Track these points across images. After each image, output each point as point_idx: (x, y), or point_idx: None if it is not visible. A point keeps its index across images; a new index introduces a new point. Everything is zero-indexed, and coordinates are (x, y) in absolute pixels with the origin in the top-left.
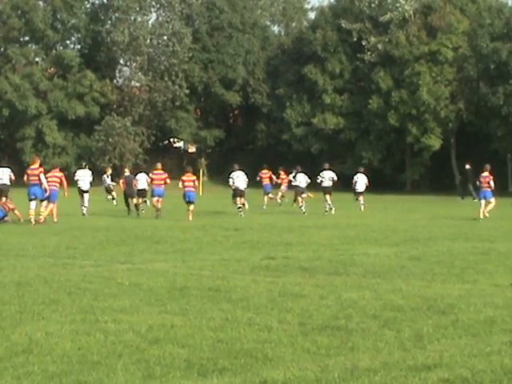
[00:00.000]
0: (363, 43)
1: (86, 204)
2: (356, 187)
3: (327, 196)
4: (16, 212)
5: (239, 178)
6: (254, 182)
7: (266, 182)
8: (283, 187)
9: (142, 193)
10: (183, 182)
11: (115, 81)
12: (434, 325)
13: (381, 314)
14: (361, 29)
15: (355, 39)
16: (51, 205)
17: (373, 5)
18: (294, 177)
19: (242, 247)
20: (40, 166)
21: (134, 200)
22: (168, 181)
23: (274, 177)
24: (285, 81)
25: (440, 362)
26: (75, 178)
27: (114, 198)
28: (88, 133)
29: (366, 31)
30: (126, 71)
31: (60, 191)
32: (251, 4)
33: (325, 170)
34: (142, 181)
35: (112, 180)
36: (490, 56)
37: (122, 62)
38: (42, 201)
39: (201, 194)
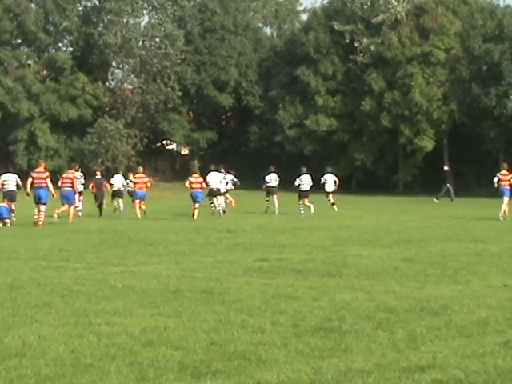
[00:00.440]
0: (355, 45)
1: (80, 206)
2: (325, 187)
3: (305, 200)
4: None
5: (215, 179)
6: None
7: None
8: None
9: (117, 193)
10: (190, 182)
11: (108, 83)
12: (428, 326)
13: (374, 316)
14: (353, 30)
15: (347, 41)
16: (72, 208)
17: (365, 6)
18: (265, 176)
19: (234, 249)
20: (45, 169)
21: (105, 201)
22: (149, 184)
23: None
24: (277, 82)
25: (433, 363)
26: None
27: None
28: (81, 135)
29: (359, 33)
30: (118, 73)
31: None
32: (243, 6)
33: (303, 174)
34: (117, 182)
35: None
36: (482, 57)
37: (114, 64)
38: (44, 204)
39: None
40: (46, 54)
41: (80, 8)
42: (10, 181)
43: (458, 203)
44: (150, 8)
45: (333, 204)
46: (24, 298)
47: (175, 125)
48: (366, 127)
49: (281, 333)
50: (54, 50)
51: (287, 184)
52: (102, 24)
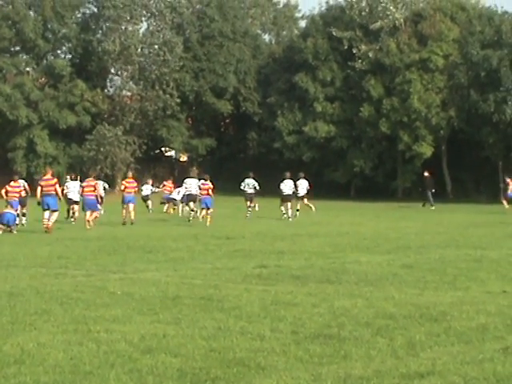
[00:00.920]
0: (354, 51)
1: (77, 214)
2: (298, 192)
3: (288, 204)
4: None
5: (192, 185)
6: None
7: None
8: None
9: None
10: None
11: (106, 90)
12: (427, 332)
13: (373, 322)
14: (351, 37)
15: (346, 47)
16: (94, 213)
17: (363, 13)
18: (242, 182)
19: (234, 256)
20: (53, 176)
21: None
22: (137, 189)
23: None
24: (276, 89)
25: (433, 370)
26: (65, 191)
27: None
28: (79, 142)
29: (357, 39)
30: (117, 80)
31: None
32: (242, 13)
33: (285, 179)
34: (100, 188)
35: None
36: (480, 63)
37: (113, 71)
38: (53, 211)
39: None
40: (45, 61)
41: (79, 15)
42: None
43: (456, 209)
44: (149, 15)
45: (307, 205)
46: (23, 305)
47: (174, 131)
48: (365, 134)
49: (280, 340)
50: (52, 57)
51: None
52: (100, 31)
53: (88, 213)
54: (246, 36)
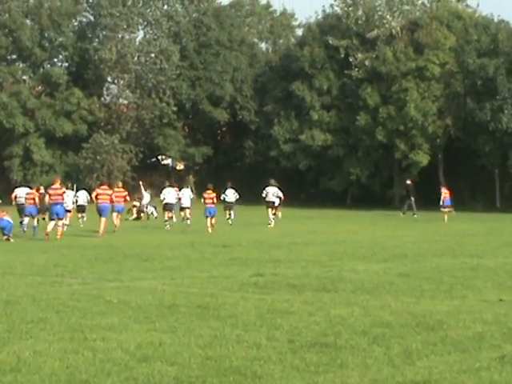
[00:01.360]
0: (350, 60)
1: (67, 222)
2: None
3: (270, 210)
4: None
5: (170, 194)
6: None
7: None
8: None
9: (80, 208)
10: (204, 198)
11: (103, 98)
12: (423, 341)
13: (370, 331)
14: (348, 45)
15: (342, 56)
16: (103, 219)
17: (360, 21)
18: (223, 192)
19: (230, 264)
20: (61, 185)
21: (42, 216)
22: (127, 198)
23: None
24: (272, 97)
25: (429, 379)
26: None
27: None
28: (76, 150)
29: (353, 48)
30: (113, 89)
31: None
32: (239, 21)
33: (269, 185)
34: (81, 197)
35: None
36: (476, 72)
37: (109, 79)
38: (60, 219)
39: None
40: (42, 69)
41: (75, 24)
42: (23, 194)
43: (453, 218)
44: (145, 23)
45: (274, 214)
46: (19, 313)
47: (170, 140)
48: (361, 142)
49: (276, 348)
50: (49, 66)
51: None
52: (97, 39)
53: (103, 219)
54: (243, 44)
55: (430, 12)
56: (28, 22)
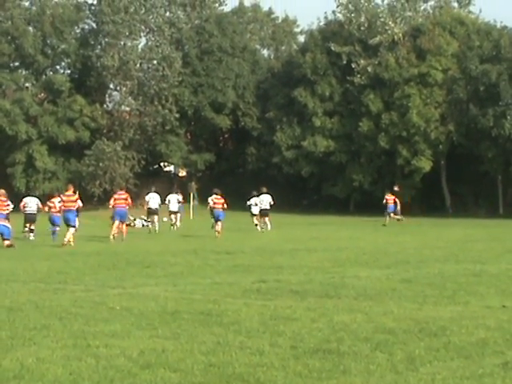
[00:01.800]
0: (353, 66)
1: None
2: (252, 210)
3: (265, 218)
4: None
5: (154, 199)
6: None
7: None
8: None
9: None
10: (214, 203)
11: (105, 105)
12: (426, 347)
13: (372, 337)
14: (350, 52)
15: (345, 62)
16: (116, 222)
17: (362, 28)
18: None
19: (233, 271)
20: (74, 192)
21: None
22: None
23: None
24: (275, 104)
25: None
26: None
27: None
28: (78, 157)
29: (356, 54)
30: (116, 96)
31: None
32: (241, 28)
33: (263, 193)
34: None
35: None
36: (479, 78)
37: (111, 86)
38: (73, 227)
39: (191, 217)
40: (44, 76)
41: (78, 31)
42: (32, 203)
43: (456, 223)
44: (148, 30)
45: (256, 225)
46: (22, 320)
47: (173, 147)
48: (364, 148)
49: (279, 354)
50: (51, 73)
51: (285, 205)
52: (99, 46)
53: (117, 222)
54: (245, 51)
55: (433, 18)
56: (30, 29)
